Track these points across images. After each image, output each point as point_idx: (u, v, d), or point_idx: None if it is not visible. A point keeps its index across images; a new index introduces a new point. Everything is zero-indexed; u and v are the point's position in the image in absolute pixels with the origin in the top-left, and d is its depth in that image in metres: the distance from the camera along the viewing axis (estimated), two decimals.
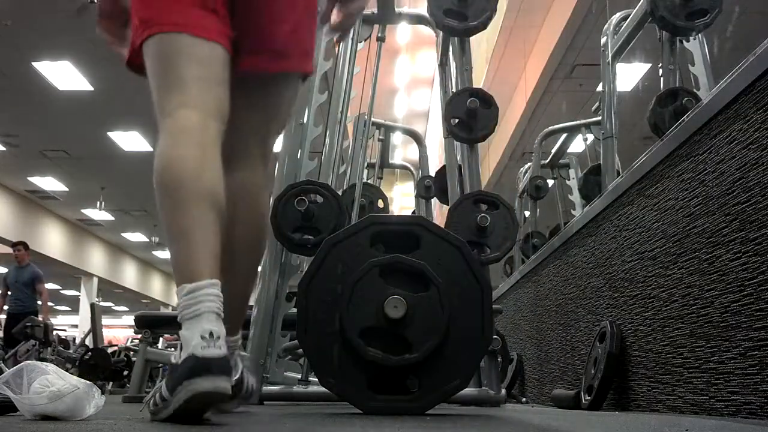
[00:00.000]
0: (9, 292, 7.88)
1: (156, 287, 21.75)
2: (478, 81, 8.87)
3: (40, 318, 7.28)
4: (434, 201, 5.00)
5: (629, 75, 7.22)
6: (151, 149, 7.48)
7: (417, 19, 3.25)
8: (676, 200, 2.15)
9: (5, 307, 7.84)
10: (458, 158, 2.82)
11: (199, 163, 1.27)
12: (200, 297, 1.16)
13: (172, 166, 1.27)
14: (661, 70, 3.27)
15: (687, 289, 2.05)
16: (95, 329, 6.81)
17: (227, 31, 1.40)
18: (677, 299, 2.10)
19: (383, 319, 1.53)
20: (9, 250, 13.17)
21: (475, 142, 2.70)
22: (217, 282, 1.19)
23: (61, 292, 21.18)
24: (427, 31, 3.25)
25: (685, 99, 2.93)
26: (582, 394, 2.71)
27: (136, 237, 17.00)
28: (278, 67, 1.49)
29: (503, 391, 2.53)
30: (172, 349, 7.11)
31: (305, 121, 2.76)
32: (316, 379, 1.71)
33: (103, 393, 1.29)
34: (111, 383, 6.43)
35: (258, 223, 1.52)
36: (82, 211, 14.60)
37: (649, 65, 6.90)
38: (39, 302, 7.95)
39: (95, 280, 16.67)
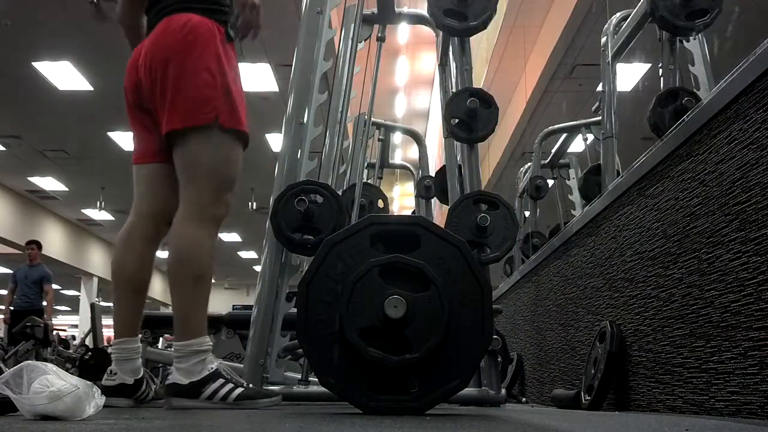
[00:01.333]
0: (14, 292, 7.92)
1: (156, 287, 21.71)
2: (478, 81, 8.87)
3: (45, 317, 7.31)
4: (434, 201, 5.00)
5: (629, 75, 7.22)
6: None
7: (417, 19, 3.25)
8: (676, 200, 2.15)
9: (11, 307, 7.88)
10: (458, 158, 2.82)
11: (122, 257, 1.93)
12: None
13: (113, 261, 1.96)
14: (661, 70, 3.27)
15: (687, 289, 2.05)
16: (95, 329, 6.80)
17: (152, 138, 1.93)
18: (677, 299, 2.10)
19: (383, 319, 1.53)
20: (9, 249, 13.23)
21: (475, 142, 2.70)
22: (123, 340, 1.93)
23: (61, 292, 21.18)
24: (427, 31, 3.25)
25: (685, 99, 2.93)
26: (582, 394, 2.71)
27: None
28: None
29: (503, 391, 2.53)
30: (172, 349, 7.12)
31: (305, 121, 2.75)
32: (316, 379, 1.71)
33: (103, 393, 1.29)
34: None
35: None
36: (82, 211, 14.60)
37: (649, 65, 6.90)
38: (45, 302, 7.97)
39: (95, 280, 16.67)
